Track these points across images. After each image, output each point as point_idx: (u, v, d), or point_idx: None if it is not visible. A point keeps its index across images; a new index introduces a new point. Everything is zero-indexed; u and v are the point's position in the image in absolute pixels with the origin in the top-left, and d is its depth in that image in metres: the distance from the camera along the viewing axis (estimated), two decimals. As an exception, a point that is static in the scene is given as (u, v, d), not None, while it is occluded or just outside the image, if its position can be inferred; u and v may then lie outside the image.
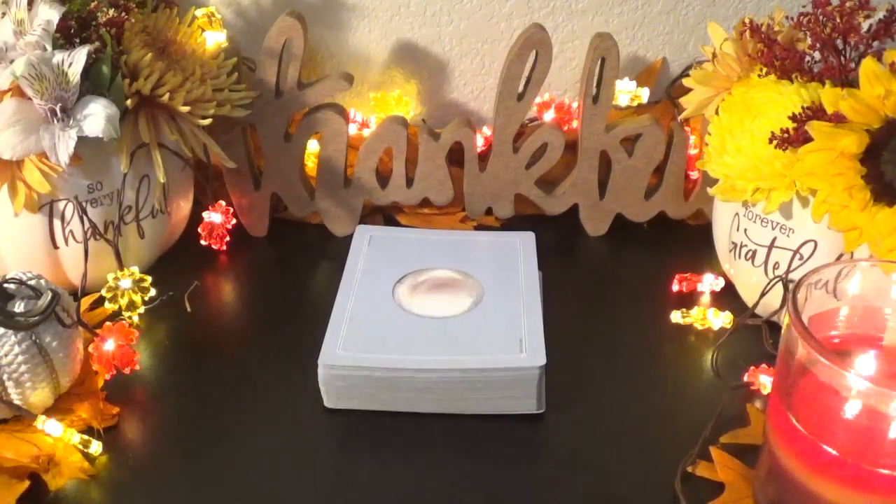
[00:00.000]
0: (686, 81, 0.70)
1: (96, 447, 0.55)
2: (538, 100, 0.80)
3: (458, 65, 0.85)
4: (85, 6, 0.64)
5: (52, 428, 0.55)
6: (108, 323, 0.61)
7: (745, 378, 0.60)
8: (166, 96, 0.64)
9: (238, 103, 0.70)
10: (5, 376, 0.54)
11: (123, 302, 0.65)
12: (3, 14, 0.61)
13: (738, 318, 0.66)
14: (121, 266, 0.66)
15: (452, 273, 0.67)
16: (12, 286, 0.56)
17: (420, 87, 0.86)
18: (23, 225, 0.64)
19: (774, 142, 0.58)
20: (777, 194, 0.60)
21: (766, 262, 0.64)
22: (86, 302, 0.65)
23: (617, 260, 0.77)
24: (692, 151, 0.77)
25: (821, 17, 0.60)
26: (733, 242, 0.67)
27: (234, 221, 0.76)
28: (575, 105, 0.82)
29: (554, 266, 0.71)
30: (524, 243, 0.71)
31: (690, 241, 0.77)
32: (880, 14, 0.59)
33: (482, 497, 0.53)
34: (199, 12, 0.75)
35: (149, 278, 0.66)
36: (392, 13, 0.82)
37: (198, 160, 0.70)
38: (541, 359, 0.58)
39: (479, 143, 0.78)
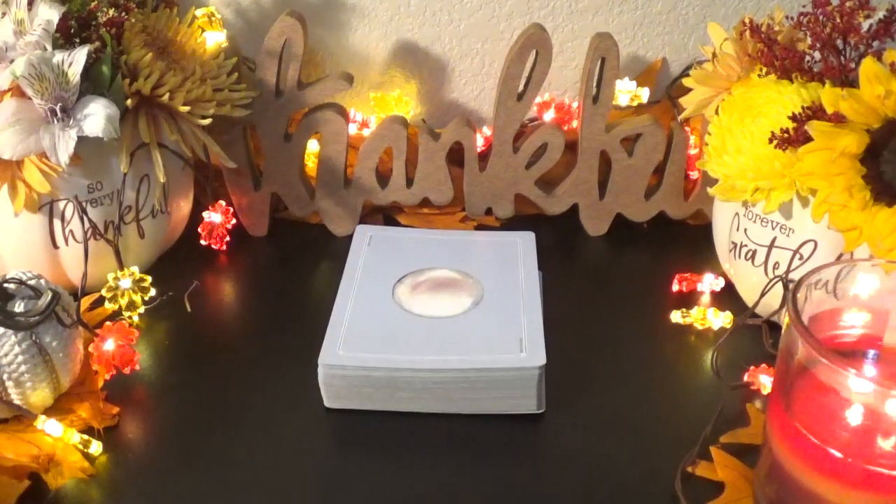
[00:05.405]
0: (686, 81, 0.70)
1: (96, 447, 0.55)
2: (538, 100, 0.80)
3: (458, 65, 0.85)
4: (85, 6, 0.64)
5: (52, 428, 0.55)
6: (108, 323, 0.61)
7: (745, 378, 0.60)
8: (166, 96, 0.64)
9: (238, 103, 0.70)
10: (5, 376, 0.54)
11: (123, 302, 0.65)
12: (3, 14, 0.61)
13: (738, 318, 0.66)
14: (121, 266, 0.66)
15: (452, 273, 0.67)
16: (12, 286, 0.56)
17: (420, 87, 0.86)
18: (23, 225, 0.64)
19: (774, 142, 0.58)
20: (777, 194, 0.60)
21: (766, 262, 0.64)
22: (86, 302, 0.65)
23: (617, 260, 0.77)
24: (692, 151, 0.77)
25: (821, 17, 0.60)
26: (733, 242, 0.67)
27: (234, 221, 0.76)
28: (575, 105, 0.82)
29: (554, 266, 0.71)
30: (524, 243, 0.71)
31: (690, 241, 0.77)
32: (880, 14, 0.59)
33: (482, 497, 0.53)
34: (199, 12, 0.75)
35: (149, 278, 0.66)
36: (392, 13, 0.82)
37: (198, 160, 0.70)
38: (541, 359, 0.58)
39: (479, 143, 0.78)
